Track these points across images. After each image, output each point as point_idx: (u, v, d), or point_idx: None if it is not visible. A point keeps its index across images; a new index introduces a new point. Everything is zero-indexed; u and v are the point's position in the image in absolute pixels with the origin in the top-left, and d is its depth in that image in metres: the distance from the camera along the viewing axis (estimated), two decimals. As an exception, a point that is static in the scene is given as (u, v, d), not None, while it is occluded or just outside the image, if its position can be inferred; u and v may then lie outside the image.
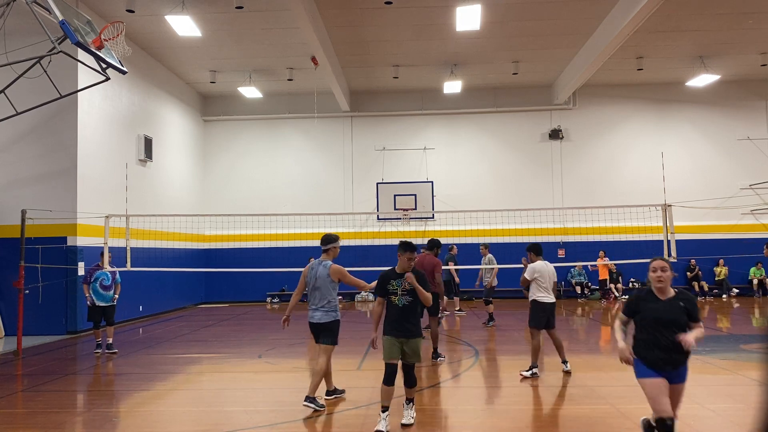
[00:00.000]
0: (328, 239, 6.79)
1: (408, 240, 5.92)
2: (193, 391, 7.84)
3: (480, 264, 13.83)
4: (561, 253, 18.53)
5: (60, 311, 12.83)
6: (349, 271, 6.69)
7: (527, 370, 8.00)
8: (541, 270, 8.05)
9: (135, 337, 12.74)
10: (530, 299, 8.14)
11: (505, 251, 15.90)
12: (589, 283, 19.01)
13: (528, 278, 8.08)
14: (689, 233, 17.26)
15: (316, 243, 22.07)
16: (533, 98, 20.40)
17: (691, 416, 5.97)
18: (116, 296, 10.48)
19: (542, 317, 8.06)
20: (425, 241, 10.14)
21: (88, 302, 10.27)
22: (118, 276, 10.54)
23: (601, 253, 17.91)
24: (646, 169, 19.63)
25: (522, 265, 8.61)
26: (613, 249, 17.32)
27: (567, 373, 8.02)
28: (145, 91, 16.50)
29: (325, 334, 6.55)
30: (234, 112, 20.89)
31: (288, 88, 19.69)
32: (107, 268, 10.49)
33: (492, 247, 15.99)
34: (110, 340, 10.33)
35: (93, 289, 10.20)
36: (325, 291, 6.53)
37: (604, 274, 18.23)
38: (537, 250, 8.23)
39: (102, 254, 10.82)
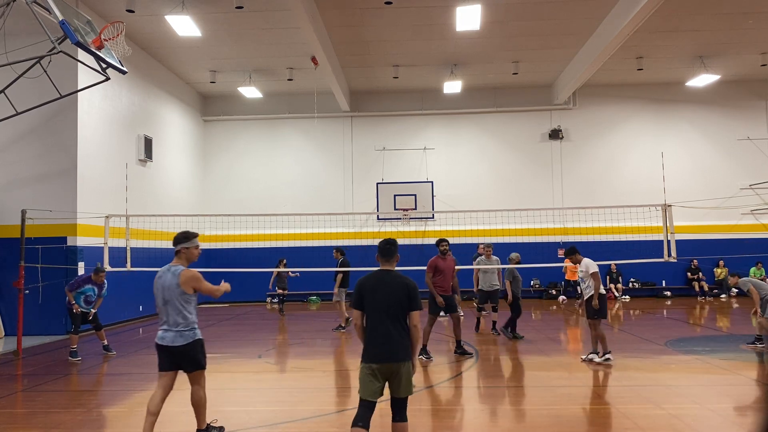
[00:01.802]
0: (180, 237, 5.40)
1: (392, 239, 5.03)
2: (193, 391, 7.82)
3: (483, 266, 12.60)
4: (561, 253, 18.49)
5: (60, 311, 12.80)
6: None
7: (601, 356, 8.67)
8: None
9: (135, 337, 12.73)
10: (589, 294, 8.83)
11: (505, 251, 15.89)
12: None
13: (599, 274, 8.89)
14: (689, 233, 17.24)
15: (317, 243, 22.15)
16: (533, 98, 20.39)
17: (691, 416, 5.97)
18: (94, 309, 10.18)
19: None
20: (425, 241, 10.15)
21: (75, 308, 9.90)
22: (105, 291, 10.25)
23: (561, 252, 17.95)
24: (646, 169, 19.63)
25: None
26: (613, 249, 17.30)
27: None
28: (145, 91, 16.50)
29: (189, 362, 5.27)
30: (234, 112, 20.89)
31: (288, 88, 19.68)
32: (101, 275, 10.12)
33: (492, 248, 15.97)
34: (105, 342, 10.22)
35: (76, 299, 9.97)
36: (177, 305, 5.16)
37: (572, 276, 18.36)
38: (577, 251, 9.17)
39: (96, 271, 10.15)
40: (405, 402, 4.56)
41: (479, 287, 12.20)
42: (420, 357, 9.19)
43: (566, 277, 18.48)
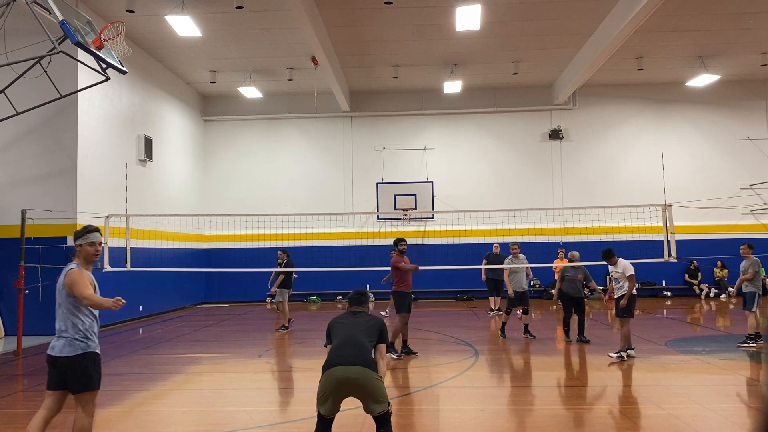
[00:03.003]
0: (75, 233, 4.74)
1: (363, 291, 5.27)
2: (193, 391, 7.84)
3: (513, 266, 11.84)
4: (560, 252, 18.48)
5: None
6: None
7: (617, 353, 8.92)
8: None
9: (135, 337, 12.74)
10: (620, 294, 9.11)
11: (505, 251, 15.95)
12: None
13: (635, 277, 9.12)
14: (689, 233, 17.25)
15: (317, 243, 22.15)
16: (533, 98, 20.39)
17: (691, 416, 5.97)
18: None
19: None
20: (425, 241, 10.19)
21: None
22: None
23: (560, 252, 17.66)
24: (646, 169, 19.63)
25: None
26: (613, 249, 17.28)
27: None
28: (145, 91, 16.50)
29: (75, 378, 4.41)
30: (234, 112, 20.89)
31: (288, 88, 19.68)
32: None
33: (500, 248, 16.03)
34: None
35: None
36: (64, 308, 4.48)
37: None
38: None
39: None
40: (385, 418, 4.44)
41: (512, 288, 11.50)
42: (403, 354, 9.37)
43: (556, 277, 18.30)
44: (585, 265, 11.15)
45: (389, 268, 9.94)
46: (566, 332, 10.82)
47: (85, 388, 4.45)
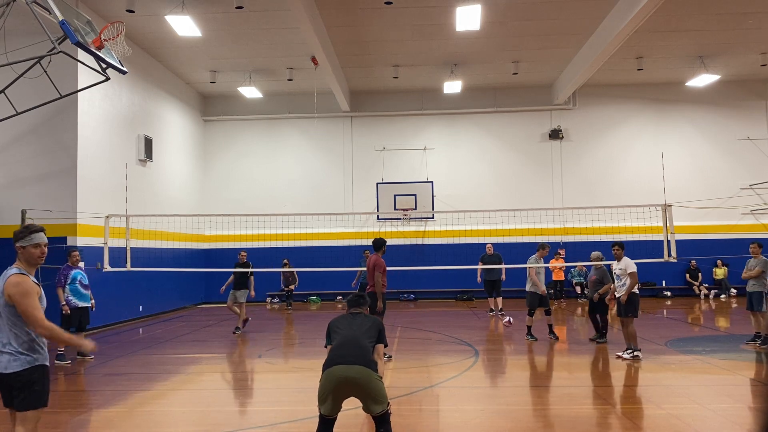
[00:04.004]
0: (16, 234, 4.15)
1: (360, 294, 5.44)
2: (193, 391, 7.84)
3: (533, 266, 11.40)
4: (561, 253, 18.50)
5: (59, 311, 12.79)
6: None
7: (629, 352, 8.82)
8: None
9: (135, 337, 12.73)
10: (621, 293, 9.10)
11: (505, 251, 15.95)
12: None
13: (637, 275, 9.17)
14: (689, 233, 17.24)
15: (317, 243, 22.12)
16: (533, 98, 20.39)
17: (691, 416, 5.98)
18: (93, 301, 9.99)
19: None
20: (425, 241, 10.07)
21: (64, 309, 9.52)
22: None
23: (561, 251, 17.43)
24: (646, 169, 19.62)
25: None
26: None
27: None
28: (145, 91, 16.49)
29: (21, 395, 3.91)
30: (234, 112, 20.89)
31: (288, 88, 19.68)
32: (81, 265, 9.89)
33: (493, 247, 16.03)
34: None
35: (72, 290, 9.67)
36: (5, 318, 3.94)
37: (558, 276, 18.05)
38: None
39: (69, 254, 9.97)
40: (384, 417, 4.47)
41: (532, 290, 11.13)
42: None
43: (553, 278, 18.27)
44: (585, 265, 11.08)
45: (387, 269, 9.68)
46: (596, 329, 10.79)
47: (31, 405, 3.94)
